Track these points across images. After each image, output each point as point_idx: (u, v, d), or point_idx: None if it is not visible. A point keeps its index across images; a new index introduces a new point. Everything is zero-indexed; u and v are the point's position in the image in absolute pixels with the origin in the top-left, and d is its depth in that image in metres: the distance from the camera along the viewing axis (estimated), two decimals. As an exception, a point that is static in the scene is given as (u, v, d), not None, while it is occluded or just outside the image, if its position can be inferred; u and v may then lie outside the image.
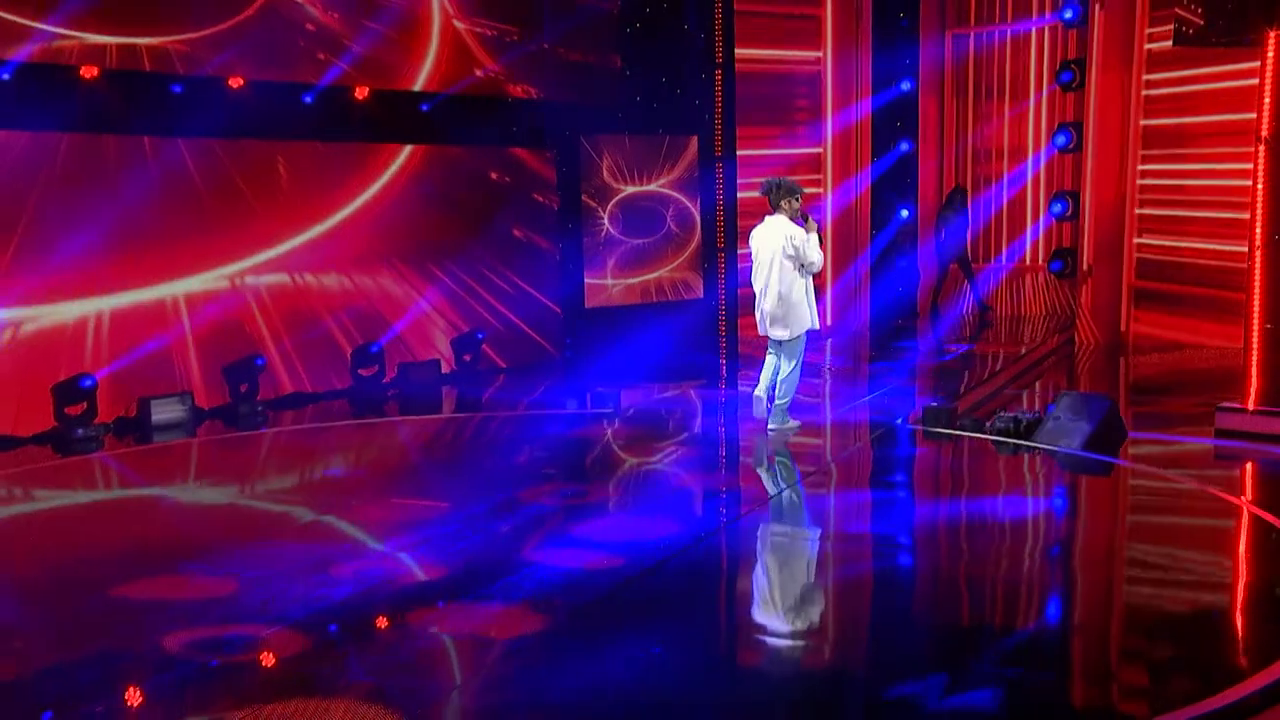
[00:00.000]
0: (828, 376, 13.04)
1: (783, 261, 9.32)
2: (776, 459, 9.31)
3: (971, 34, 16.97)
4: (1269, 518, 7.39)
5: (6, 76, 9.76)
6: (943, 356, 14.10)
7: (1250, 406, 10.17)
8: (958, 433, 9.77)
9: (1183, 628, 5.81)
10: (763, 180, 9.65)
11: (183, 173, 10.93)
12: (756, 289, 9.57)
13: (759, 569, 6.96)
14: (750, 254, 9.65)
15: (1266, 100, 12.52)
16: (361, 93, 12.35)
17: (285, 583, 6.29)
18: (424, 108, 12.86)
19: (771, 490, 8.60)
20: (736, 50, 15.36)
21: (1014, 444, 9.31)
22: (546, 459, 9.44)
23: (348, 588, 6.24)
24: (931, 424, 9.90)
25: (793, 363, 9.55)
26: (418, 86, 12.74)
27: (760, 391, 9.69)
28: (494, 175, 13.63)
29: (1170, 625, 5.86)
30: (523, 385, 12.81)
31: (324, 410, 11.49)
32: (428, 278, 12.86)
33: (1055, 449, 9.02)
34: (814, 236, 9.38)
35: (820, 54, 16.24)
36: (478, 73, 13.24)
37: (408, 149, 12.78)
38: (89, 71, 10.20)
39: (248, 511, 8.14)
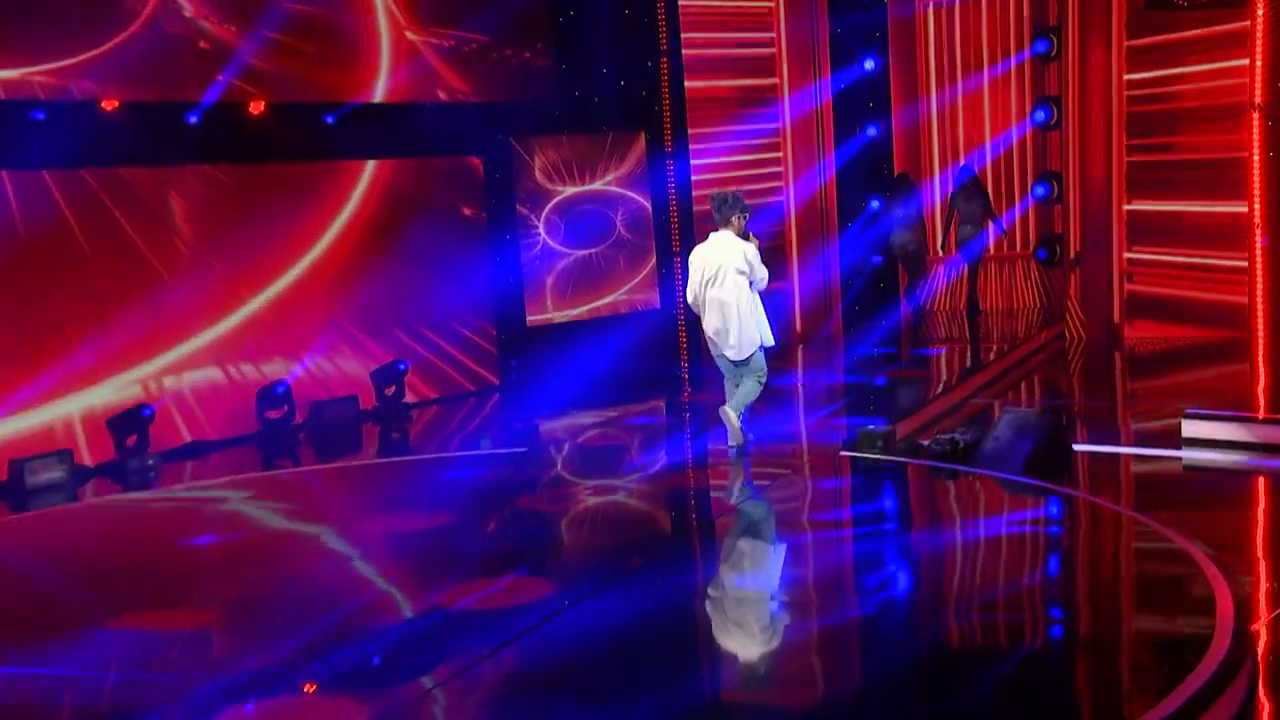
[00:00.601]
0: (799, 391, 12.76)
1: (735, 278, 9.35)
2: (681, 503, 9.00)
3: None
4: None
5: None
6: (906, 364, 13.80)
7: (1261, 414, 9.59)
8: (892, 459, 9.38)
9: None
10: (711, 194, 9.76)
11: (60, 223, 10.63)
12: (703, 308, 9.58)
13: (610, 645, 6.50)
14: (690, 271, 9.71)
15: (1258, 64, 12.10)
16: (257, 108, 11.99)
17: (74, 687, 5.98)
18: (328, 120, 12.50)
19: (654, 545, 8.19)
20: (682, 35, 14.98)
21: (950, 470, 8.91)
22: (423, 518, 8.91)
23: (158, 690, 5.89)
24: (867, 449, 9.49)
25: (754, 381, 9.60)
26: (323, 98, 12.43)
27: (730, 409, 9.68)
28: (414, 188, 13.28)
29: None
30: (447, 419, 12.58)
31: (222, 461, 11.18)
32: (342, 304, 12.53)
33: (993, 474, 8.62)
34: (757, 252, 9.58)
35: (773, 34, 15.80)
36: (391, 78, 12.92)
37: (368, 171, 12.70)
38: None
39: (69, 597, 7.65)
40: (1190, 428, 9.55)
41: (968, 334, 15.04)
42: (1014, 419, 8.82)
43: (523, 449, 10.76)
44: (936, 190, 16.64)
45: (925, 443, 9.37)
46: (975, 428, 9.59)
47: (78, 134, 10.48)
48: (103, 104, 10.90)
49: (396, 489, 10.10)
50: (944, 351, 14.32)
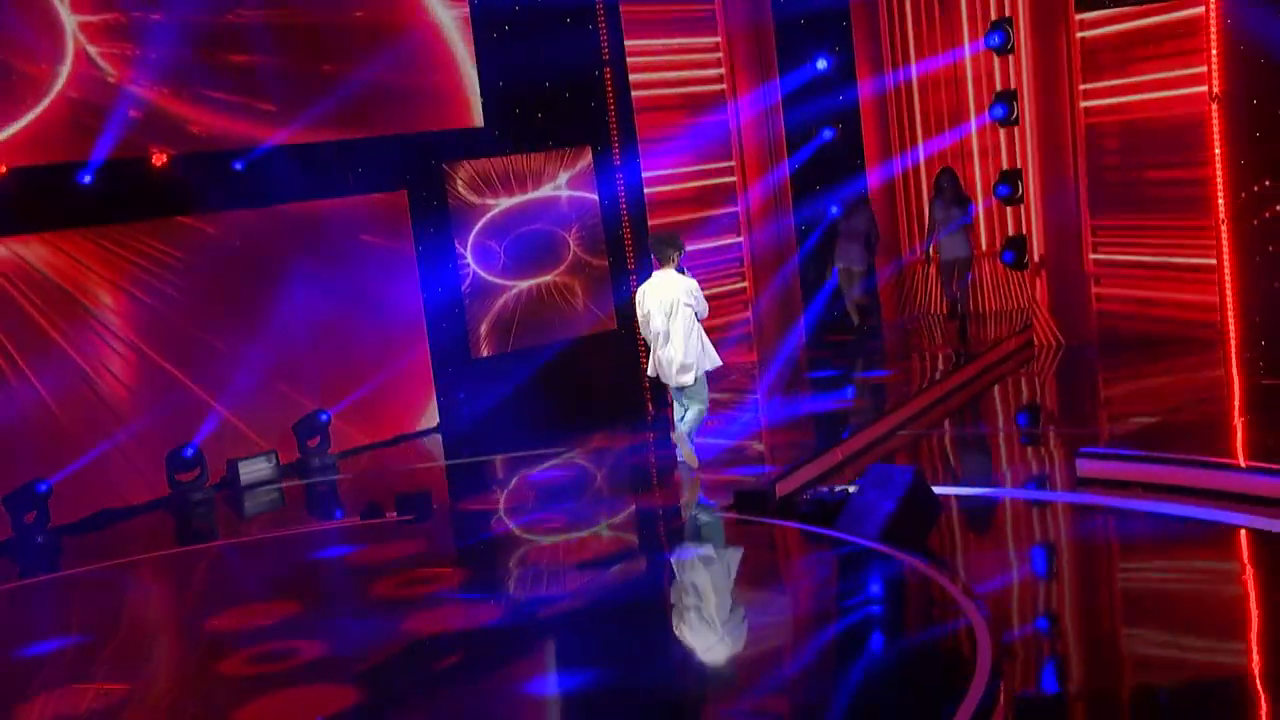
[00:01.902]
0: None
1: (683, 310, 10.71)
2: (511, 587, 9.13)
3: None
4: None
5: None
6: (848, 389, 13.86)
7: (1242, 461, 9.42)
8: (764, 521, 9.47)
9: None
10: (650, 237, 11.66)
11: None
12: (652, 339, 10.96)
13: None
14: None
15: (1214, 53, 12.09)
16: (159, 159, 12.34)
17: None
18: (238, 166, 12.83)
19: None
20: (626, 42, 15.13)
21: (810, 532, 8.98)
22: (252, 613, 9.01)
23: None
24: (744, 510, 9.58)
25: (700, 406, 10.99)
26: (230, 146, 12.76)
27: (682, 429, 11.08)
28: (333, 228, 13.59)
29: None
30: (369, 470, 12.98)
31: (124, 533, 11.58)
32: (260, 354, 12.84)
33: (845, 536, 8.68)
34: None
35: (719, 39, 15.92)
36: (303, 118, 13.14)
37: (283, 214, 13.07)
38: None
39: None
40: (1084, 467, 9.57)
41: (944, 342, 15.04)
42: (878, 476, 8.87)
43: (409, 516, 10.89)
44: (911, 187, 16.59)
45: (805, 497, 9.49)
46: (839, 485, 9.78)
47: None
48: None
49: (249, 574, 10.35)
50: (892, 373, 14.35)
